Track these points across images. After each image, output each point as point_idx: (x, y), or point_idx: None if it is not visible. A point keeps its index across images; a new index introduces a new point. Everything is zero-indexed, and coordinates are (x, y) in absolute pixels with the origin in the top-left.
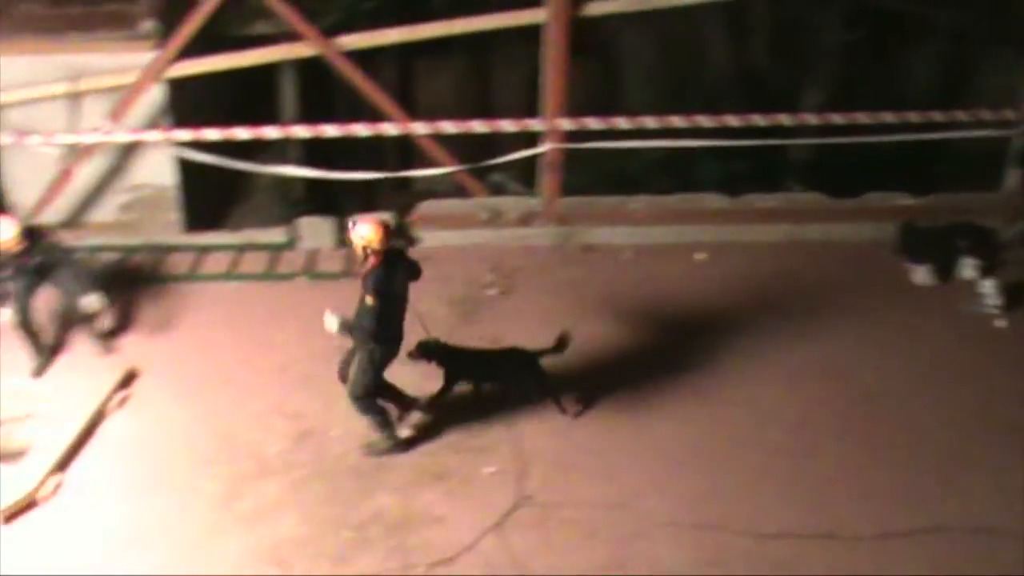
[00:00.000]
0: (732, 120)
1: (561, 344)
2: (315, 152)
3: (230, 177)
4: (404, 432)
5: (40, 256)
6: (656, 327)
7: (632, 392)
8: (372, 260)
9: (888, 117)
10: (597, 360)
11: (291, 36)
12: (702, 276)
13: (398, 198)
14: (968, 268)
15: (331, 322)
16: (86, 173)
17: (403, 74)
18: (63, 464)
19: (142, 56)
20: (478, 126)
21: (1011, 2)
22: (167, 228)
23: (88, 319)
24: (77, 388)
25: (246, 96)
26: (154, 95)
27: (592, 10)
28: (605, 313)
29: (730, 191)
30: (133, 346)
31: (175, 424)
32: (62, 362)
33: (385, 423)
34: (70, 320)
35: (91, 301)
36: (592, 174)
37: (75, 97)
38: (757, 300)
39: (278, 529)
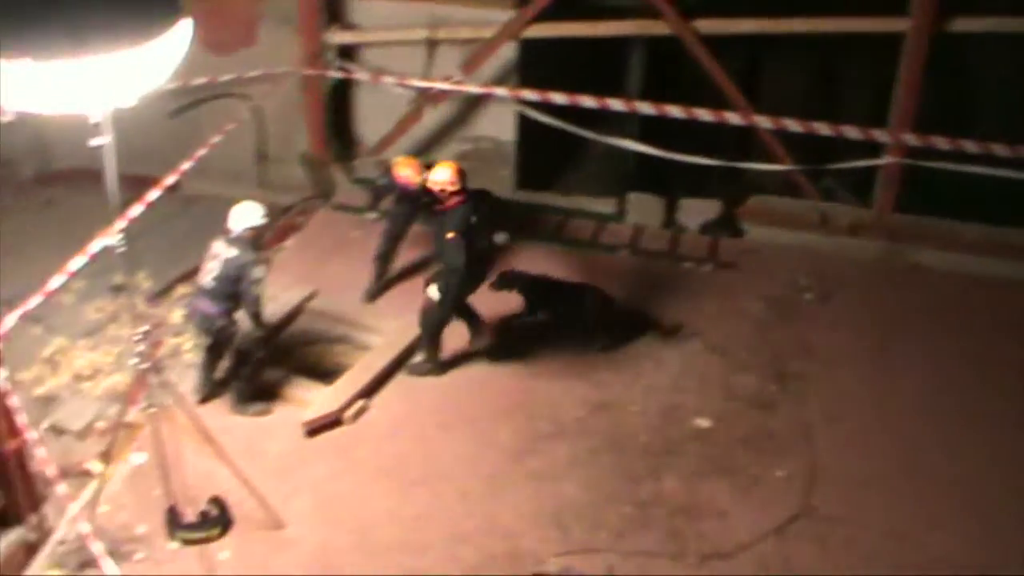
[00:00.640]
0: None
1: (668, 331)
2: (650, 130)
3: (565, 142)
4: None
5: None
6: (975, 361)
7: (940, 421)
8: (452, 201)
9: None
10: (903, 378)
11: (647, 12)
12: None
13: (727, 188)
14: None
15: (434, 292)
16: (430, 118)
17: (750, 64)
18: (370, 390)
19: (502, 13)
20: (822, 128)
21: None
22: (499, 183)
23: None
24: (398, 321)
25: (592, 66)
26: (506, 52)
27: (959, 26)
28: (921, 337)
29: None
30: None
31: (478, 372)
32: (393, 292)
33: (435, 350)
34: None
35: (502, 237)
36: (929, 193)
37: (432, 45)
38: None
39: (562, 492)
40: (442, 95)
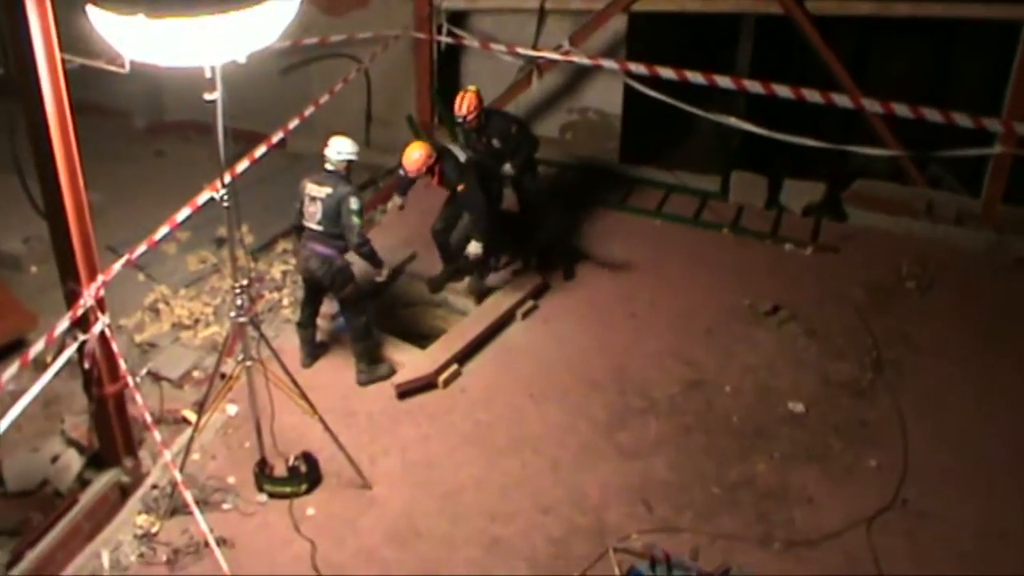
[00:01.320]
0: None
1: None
2: (756, 109)
3: (671, 117)
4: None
5: None
6: None
7: None
8: (438, 167)
9: None
10: (1004, 373)
11: None
12: None
13: (832, 170)
14: None
15: (475, 247)
16: (537, 87)
17: (860, 46)
18: (463, 356)
19: None
20: (931, 114)
21: None
22: (604, 155)
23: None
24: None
25: (700, 42)
26: (616, 24)
27: None
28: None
29: None
30: (549, 262)
31: (572, 345)
32: None
33: (484, 274)
34: None
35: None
36: None
37: (542, 14)
38: None
39: (650, 469)
40: (550, 65)
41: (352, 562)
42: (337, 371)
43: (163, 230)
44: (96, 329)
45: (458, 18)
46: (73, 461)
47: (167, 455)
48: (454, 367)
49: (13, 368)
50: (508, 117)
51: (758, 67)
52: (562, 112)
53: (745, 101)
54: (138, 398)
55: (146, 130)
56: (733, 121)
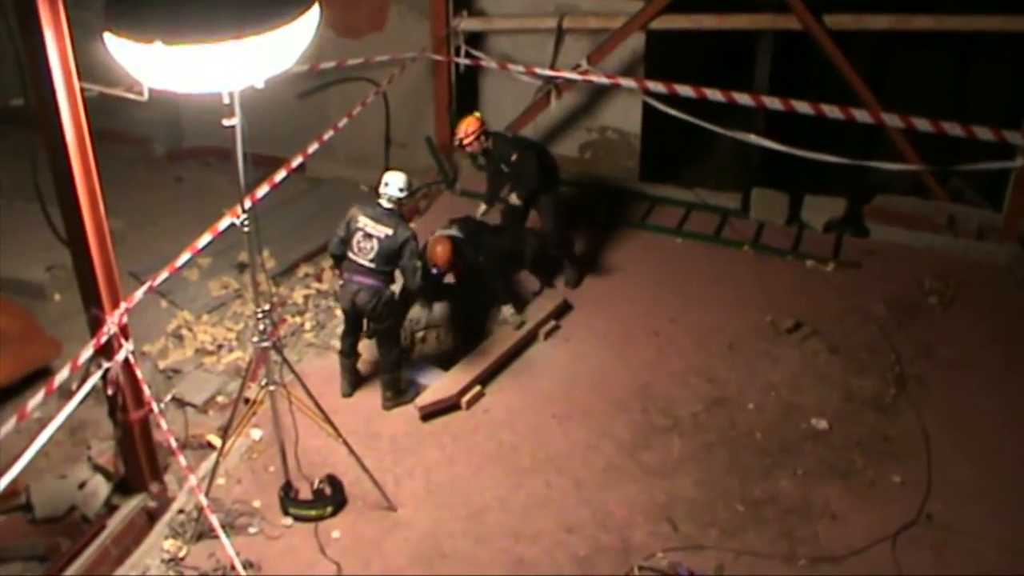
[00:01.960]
0: None
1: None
2: (776, 126)
3: (690, 135)
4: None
5: None
6: None
7: None
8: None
9: None
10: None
11: (777, 6)
12: None
13: (852, 186)
14: None
15: (508, 310)
16: (556, 107)
17: (879, 61)
18: (486, 377)
19: (630, 3)
20: (952, 128)
21: None
22: (623, 173)
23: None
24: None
25: (719, 59)
26: (634, 43)
27: None
28: None
29: None
30: (551, 270)
31: (595, 364)
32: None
33: (574, 262)
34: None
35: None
36: None
37: (559, 34)
38: None
39: (675, 487)
40: (569, 84)
41: None
42: (361, 394)
43: (184, 256)
44: (120, 356)
45: (476, 39)
46: (100, 487)
47: (193, 480)
48: (477, 388)
49: (39, 396)
50: (513, 143)
51: (777, 83)
52: (581, 131)
53: (764, 117)
54: (163, 424)
55: (165, 157)
56: (752, 138)
